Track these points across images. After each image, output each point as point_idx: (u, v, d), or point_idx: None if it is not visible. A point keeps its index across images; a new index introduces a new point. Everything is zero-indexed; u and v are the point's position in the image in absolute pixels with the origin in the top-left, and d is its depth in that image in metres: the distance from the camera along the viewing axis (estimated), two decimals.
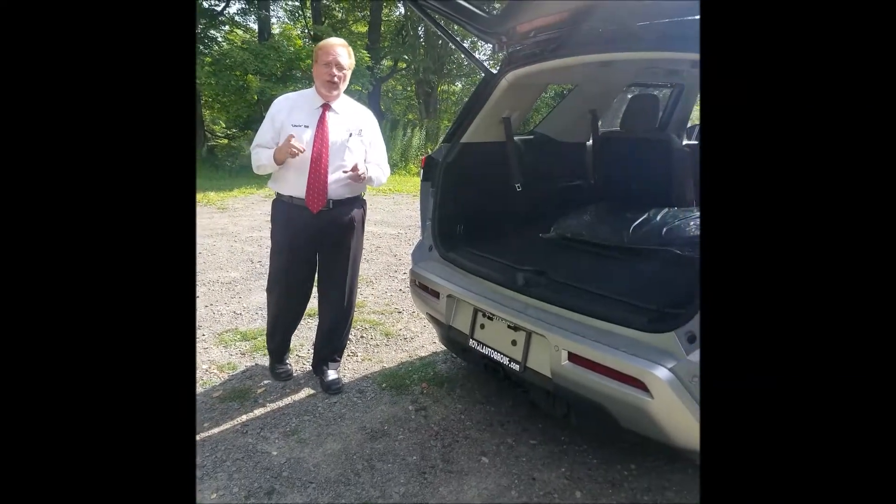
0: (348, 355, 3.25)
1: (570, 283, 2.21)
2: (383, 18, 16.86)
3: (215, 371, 3.02)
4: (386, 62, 16.91)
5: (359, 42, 13.57)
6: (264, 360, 3.15)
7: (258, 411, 2.66)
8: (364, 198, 2.79)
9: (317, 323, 2.96)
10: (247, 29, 16.16)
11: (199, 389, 2.82)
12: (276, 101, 2.65)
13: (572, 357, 1.90)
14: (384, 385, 2.92)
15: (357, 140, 2.63)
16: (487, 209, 2.93)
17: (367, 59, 12.54)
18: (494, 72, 2.74)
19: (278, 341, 2.93)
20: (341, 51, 2.54)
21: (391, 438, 2.45)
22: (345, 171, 2.53)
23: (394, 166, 12.22)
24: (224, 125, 15.41)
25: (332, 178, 2.55)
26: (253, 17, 15.78)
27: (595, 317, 1.95)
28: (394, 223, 6.96)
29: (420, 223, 2.92)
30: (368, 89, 12.97)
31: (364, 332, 3.59)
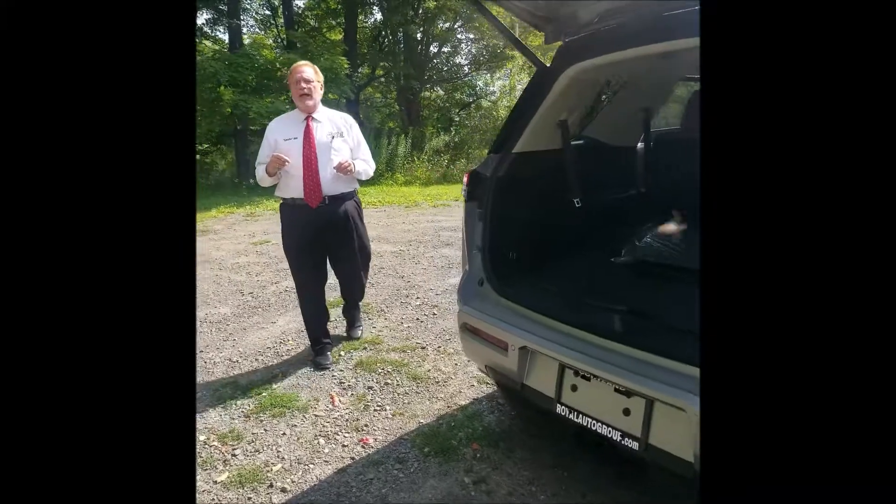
0: (376, 409, 2.71)
1: (690, 329, 1.72)
2: (359, 25, 16.29)
3: (216, 444, 2.45)
4: (363, 70, 16.31)
5: (336, 49, 12.94)
6: (273, 422, 2.60)
7: (277, 499, 2.11)
8: (357, 194, 3.22)
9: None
10: (216, 40, 15.47)
11: (198, 472, 2.25)
12: (269, 124, 3.12)
13: None
14: (427, 450, 2.39)
15: (340, 141, 3.06)
16: (545, 231, 2.43)
17: (346, 64, 11.94)
18: (548, 65, 2.26)
19: (315, 334, 3.26)
20: (305, 68, 3.01)
21: None
22: (334, 167, 2.95)
23: (380, 176, 11.65)
24: (197, 140, 14.69)
25: (323, 175, 2.97)
26: (223, 27, 15.11)
27: None
28: (392, 239, 6.41)
29: (464, 252, 2.40)
30: (349, 97, 12.40)
31: (388, 378, 3.04)
